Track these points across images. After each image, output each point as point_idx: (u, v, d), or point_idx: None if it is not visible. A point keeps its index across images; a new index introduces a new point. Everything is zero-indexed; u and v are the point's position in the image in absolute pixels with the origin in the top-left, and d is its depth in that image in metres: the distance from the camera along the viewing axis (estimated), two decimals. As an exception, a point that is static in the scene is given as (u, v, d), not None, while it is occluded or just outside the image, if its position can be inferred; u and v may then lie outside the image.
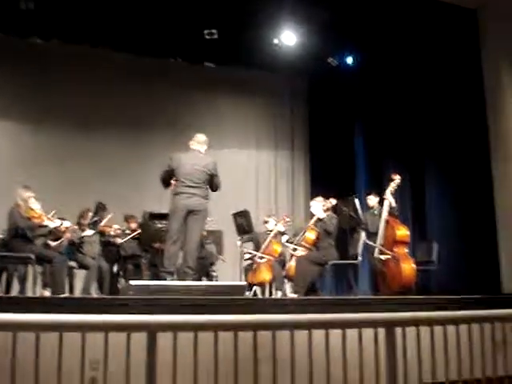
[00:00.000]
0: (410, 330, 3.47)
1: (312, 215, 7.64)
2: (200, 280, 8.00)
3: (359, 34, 9.88)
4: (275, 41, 10.20)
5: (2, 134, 10.40)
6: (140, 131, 10.99)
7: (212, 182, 6.32)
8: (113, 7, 8.95)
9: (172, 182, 6.33)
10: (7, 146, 10.32)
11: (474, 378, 3.63)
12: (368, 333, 3.33)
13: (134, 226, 8.66)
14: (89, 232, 7.89)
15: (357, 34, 9.90)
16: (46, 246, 7.37)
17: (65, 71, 10.39)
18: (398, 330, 3.41)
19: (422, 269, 7.60)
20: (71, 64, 10.37)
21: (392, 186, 7.45)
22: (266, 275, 8.15)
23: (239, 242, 8.36)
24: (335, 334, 3.23)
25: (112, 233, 8.40)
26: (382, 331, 3.37)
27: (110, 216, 8.23)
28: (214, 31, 9.77)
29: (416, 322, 3.53)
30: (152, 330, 2.92)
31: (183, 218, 6.08)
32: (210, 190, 6.34)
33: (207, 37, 9.84)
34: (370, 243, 7.39)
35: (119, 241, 8.43)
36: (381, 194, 7.82)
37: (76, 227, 7.99)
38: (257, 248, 8.54)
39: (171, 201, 6.22)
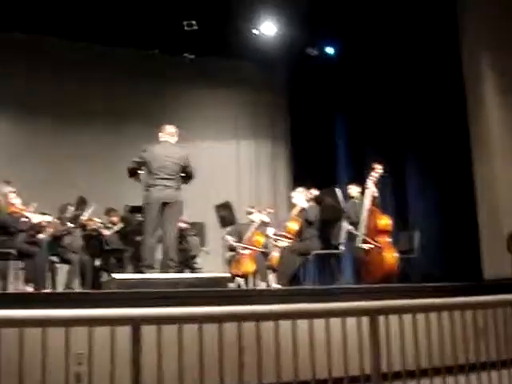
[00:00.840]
0: (393, 318, 3.49)
1: (294, 206, 7.65)
2: (183, 272, 7.99)
3: (339, 24, 9.88)
4: (255, 31, 10.17)
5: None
6: (119, 124, 10.92)
7: (186, 173, 6.28)
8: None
9: (139, 172, 6.28)
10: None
11: (457, 364, 3.68)
12: (351, 321, 3.35)
13: (115, 219, 8.62)
14: (72, 226, 7.84)
15: (336, 24, 9.89)
16: (29, 241, 7.31)
17: (43, 66, 10.28)
18: (381, 318, 3.44)
19: (404, 257, 7.66)
20: (50, 59, 10.28)
21: (374, 176, 7.48)
22: (249, 266, 8.15)
23: (229, 237, 8.38)
24: (319, 323, 3.25)
25: (94, 227, 8.36)
26: (365, 320, 3.40)
27: (91, 209, 8.15)
28: (193, 22, 9.72)
29: (398, 310, 3.56)
30: (136, 323, 2.92)
31: (158, 210, 6.04)
32: (182, 182, 6.28)
33: (187, 28, 9.78)
34: (354, 232, 7.42)
35: (106, 233, 8.38)
36: (362, 184, 7.85)
37: (57, 221, 7.96)
38: (240, 239, 8.54)
39: (144, 194, 6.17)
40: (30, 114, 10.41)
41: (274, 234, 8.03)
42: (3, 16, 9.08)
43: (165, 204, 6.05)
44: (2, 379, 2.88)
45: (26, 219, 6.93)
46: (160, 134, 6.42)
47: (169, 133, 6.40)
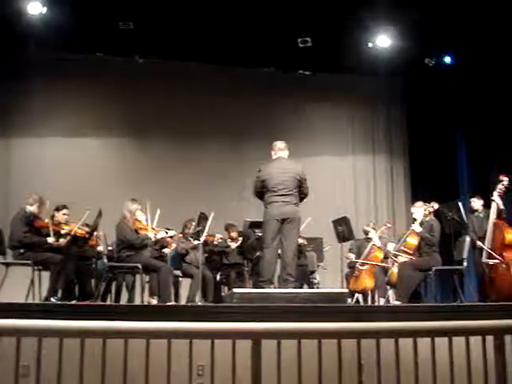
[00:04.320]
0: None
1: (414, 221, 7.47)
2: (301, 287, 8.02)
3: (456, 32, 9.53)
4: (369, 44, 10.09)
5: (108, 150, 10.97)
6: (238, 142, 11.19)
7: (301, 188, 6.30)
8: (205, 21, 9.21)
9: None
10: (113, 162, 10.85)
11: None
12: (476, 341, 3.23)
13: (234, 234, 8.82)
14: (196, 242, 8.11)
15: (453, 32, 9.56)
16: (154, 255, 7.67)
17: (165, 87, 10.78)
18: (508, 338, 3.29)
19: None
20: (170, 80, 10.75)
21: (499, 188, 7.16)
22: (368, 282, 8.06)
23: (351, 255, 8.34)
24: (441, 342, 3.16)
25: (215, 242, 8.61)
26: (490, 339, 3.26)
27: (209, 222, 8.30)
28: (307, 39, 9.81)
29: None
30: (256, 338, 2.98)
31: (278, 226, 6.11)
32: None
33: (301, 45, 9.89)
34: (481, 245, 7.13)
35: (227, 249, 8.60)
36: (485, 197, 7.55)
37: (181, 236, 8.28)
38: (358, 255, 8.46)
39: (264, 210, 6.26)
40: (151, 134, 10.95)
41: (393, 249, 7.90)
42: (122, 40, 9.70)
43: (284, 220, 6.12)
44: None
45: (151, 236, 7.24)
46: (272, 152, 6.49)
47: (280, 148, 6.46)
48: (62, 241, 6.96)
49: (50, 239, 6.83)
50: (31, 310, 4.72)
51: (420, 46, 10.16)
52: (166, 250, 7.94)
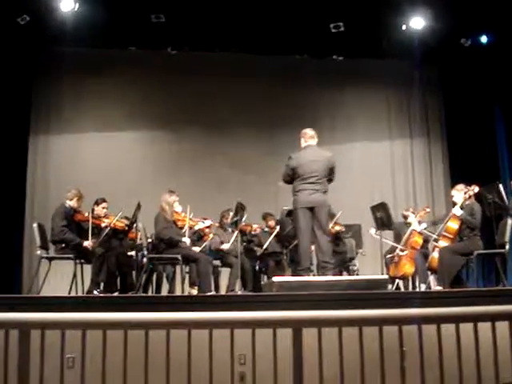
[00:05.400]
0: None
1: (454, 204, 7.35)
2: (340, 274, 7.99)
3: (491, 10, 9.31)
4: (403, 27, 9.94)
5: (144, 144, 11.03)
6: (270, 130, 11.12)
7: (330, 176, 6.32)
8: (236, 11, 9.21)
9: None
10: (148, 154, 10.91)
11: None
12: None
13: (271, 223, 8.81)
14: (225, 246, 8.13)
15: (488, 11, 9.34)
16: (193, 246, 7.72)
17: (198, 78, 10.79)
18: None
19: None
20: (203, 71, 10.76)
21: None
22: (408, 268, 7.96)
23: (373, 230, 8.26)
24: (484, 327, 3.11)
25: (252, 232, 8.62)
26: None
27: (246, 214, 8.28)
28: (340, 24, 9.71)
29: None
30: (297, 326, 2.98)
31: (308, 214, 6.12)
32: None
33: (333, 30, 9.80)
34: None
35: (259, 250, 8.61)
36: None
37: (217, 225, 8.29)
38: (397, 240, 8.37)
39: (293, 198, 6.27)
40: (188, 125, 10.95)
41: (427, 230, 7.80)
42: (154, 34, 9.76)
43: (313, 208, 6.12)
44: (170, 378, 3.06)
45: (187, 240, 7.27)
46: (302, 139, 6.50)
47: (311, 136, 6.47)
48: (94, 242, 7.02)
49: (86, 243, 6.92)
50: (75, 303, 4.81)
51: (455, 27, 9.95)
52: (196, 249, 7.88)
